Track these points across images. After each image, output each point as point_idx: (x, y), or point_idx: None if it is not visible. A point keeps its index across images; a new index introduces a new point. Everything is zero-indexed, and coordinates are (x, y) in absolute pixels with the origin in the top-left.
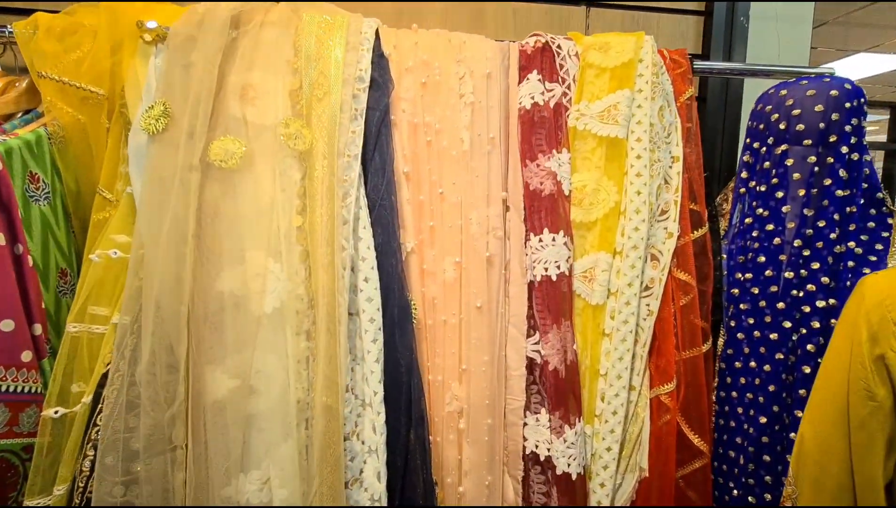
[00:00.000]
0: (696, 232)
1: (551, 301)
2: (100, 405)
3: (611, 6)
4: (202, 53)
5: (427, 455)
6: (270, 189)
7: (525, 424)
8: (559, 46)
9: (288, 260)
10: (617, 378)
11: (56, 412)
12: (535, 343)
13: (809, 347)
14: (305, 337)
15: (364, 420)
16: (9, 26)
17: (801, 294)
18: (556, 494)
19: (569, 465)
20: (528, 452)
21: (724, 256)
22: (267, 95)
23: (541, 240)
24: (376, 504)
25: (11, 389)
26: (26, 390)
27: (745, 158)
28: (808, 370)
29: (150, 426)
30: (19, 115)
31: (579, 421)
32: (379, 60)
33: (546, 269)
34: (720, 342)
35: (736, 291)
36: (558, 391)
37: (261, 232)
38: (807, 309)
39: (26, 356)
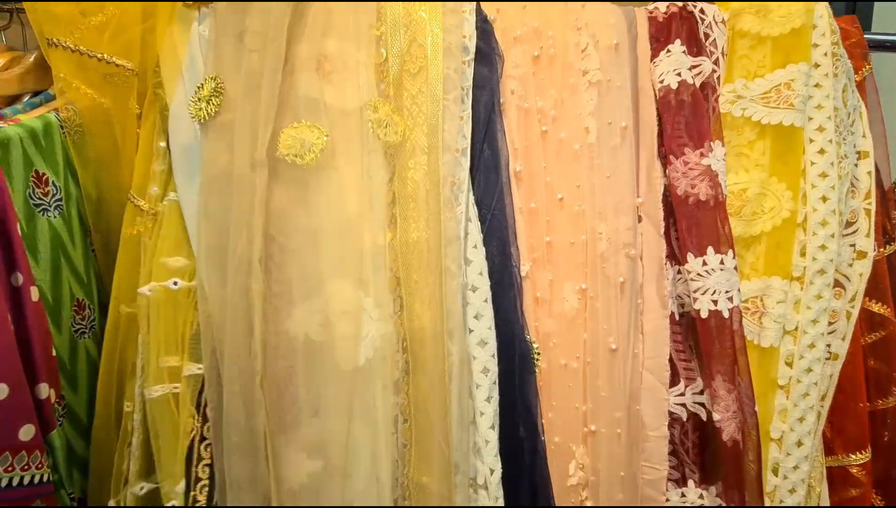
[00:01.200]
0: (887, 248)
1: (721, 344)
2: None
3: None
4: (264, 15)
5: None
6: (357, 195)
7: (667, 500)
8: (702, 11)
9: (375, 289)
10: (796, 446)
11: None
12: (679, 395)
13: None
14: (394, 389)
15: None
16: None
17: None
18: None
19: None
20: None
21: None
22: (347, 70)
23: (704, 263)
24: None
25: (4, 483)
26: (26, 481)
27: None
28: None
29: None
30: (25, 98)
31: None
32: (483, 26)
33: (715, 302)
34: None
35: None
36: (732, 464)
37: (348, 254)
38: None
39: (26, 432)
